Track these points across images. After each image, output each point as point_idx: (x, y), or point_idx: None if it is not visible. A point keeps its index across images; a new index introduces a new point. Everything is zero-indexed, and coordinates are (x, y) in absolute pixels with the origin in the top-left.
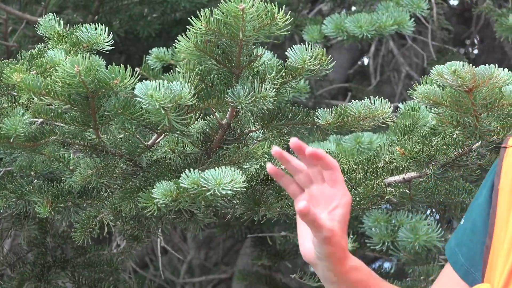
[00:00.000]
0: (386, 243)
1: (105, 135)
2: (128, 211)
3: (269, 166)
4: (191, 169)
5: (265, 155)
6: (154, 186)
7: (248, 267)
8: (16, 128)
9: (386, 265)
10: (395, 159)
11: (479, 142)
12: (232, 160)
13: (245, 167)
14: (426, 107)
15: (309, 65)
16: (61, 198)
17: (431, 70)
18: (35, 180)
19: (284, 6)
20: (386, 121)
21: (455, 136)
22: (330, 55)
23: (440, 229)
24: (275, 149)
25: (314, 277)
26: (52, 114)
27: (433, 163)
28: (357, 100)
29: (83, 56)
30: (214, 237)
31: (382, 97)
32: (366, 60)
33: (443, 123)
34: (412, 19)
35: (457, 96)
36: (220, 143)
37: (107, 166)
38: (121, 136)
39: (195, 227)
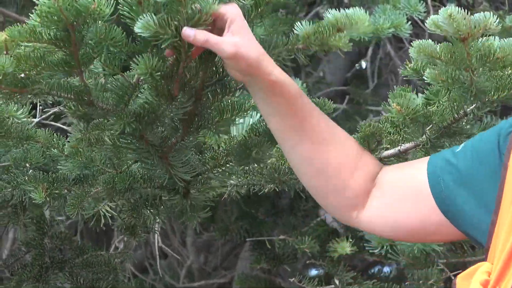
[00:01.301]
0: (385, 247)
1: (90, 80)
2: (122, 183)
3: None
4: None
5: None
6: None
7: (248, 271)
8: (3, 66)
9: (386, 269)
10: (390, 131)
11: (474, 105)
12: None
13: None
14: (416, 92)
15: None
16: (56, 185)
17: (426, 21)
18: (30, 171)
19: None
20: (364, 32)
21: (451, 97)
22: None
23: None
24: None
25: (313, 280)
26: (35, 59)
27: (429, 127)
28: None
29: None
30: (213, 241)
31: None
32: (363, 63)
33: (438, 80)
34: (409, 22)
35: (452, 48)
36: (202, 88)
37: (97, 127)
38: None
39: (192, 217)
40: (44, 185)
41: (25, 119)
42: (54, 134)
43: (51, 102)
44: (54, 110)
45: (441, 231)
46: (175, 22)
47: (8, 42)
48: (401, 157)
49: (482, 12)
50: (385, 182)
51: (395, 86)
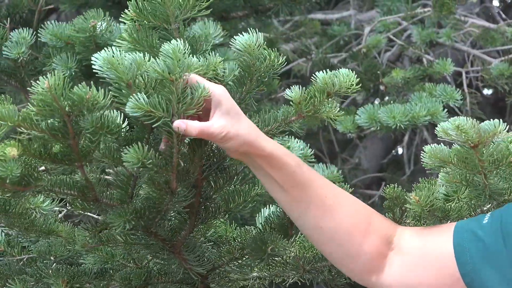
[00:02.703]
0: None
1: (92, 175)
2: (137, 279)
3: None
4: None
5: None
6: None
7: None
8: (11, 170)
9: None
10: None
11: (490, 204)
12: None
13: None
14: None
15: (257, 52)
16: (77, 279)
17: (436, 128)
18: (54, 264)
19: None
20: (351, 92)
21: (466, 199)
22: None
23: None
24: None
25: None
26: (37, 150)
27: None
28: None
29: (53, 74)
30: None
31: None
32: (400, 150)
33: (452, 183)
34: (446, 110)
35: (464, 153)
36: (201, 175)
37: (103, 225)
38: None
39: None
40: (65, 279)
41: (50, 211)
42: (76, 228)
43: None
44: None
45: None
46: (167, 102)
47: (19, 151)
48: None
49: (491, 120)
50: (406, 248)
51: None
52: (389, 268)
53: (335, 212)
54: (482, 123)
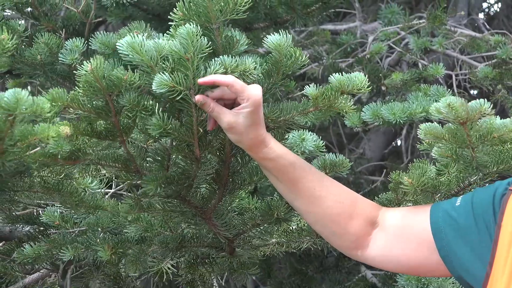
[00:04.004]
0: None
1: (133, 149)
2: (173, 242)
3: (197, 97)
4: None
5: None
6: None
7: None
8: (62, 147)
9: None
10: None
11: (477, 176)
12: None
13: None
14: (435, 164)
15: (285, 50)
16: (120, 245)
17: (430, 107)
18: (101, 234)
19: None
20: (362, 92)
21: (456, 173)
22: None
23: None
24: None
25: None
26: (85, 128)
27: (438, 195)
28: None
29: (95, 58)
30: None
31: None
32: (399, 142)
33: (444, 156)
34: None
35: (454, 129)
36: (230, 151)
37: (144, 194)
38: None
39: (241, 274)
40: (110, 245)
41: (98, 190)
42: (120, 203)
43: None
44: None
45: (440, 269)
46: (184, 77)
47: (71, 129)
48: None
49: (477, 100)
50: (389, 226)
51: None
52: (373, 243)
53: (322, 201)
54: (469, 102)
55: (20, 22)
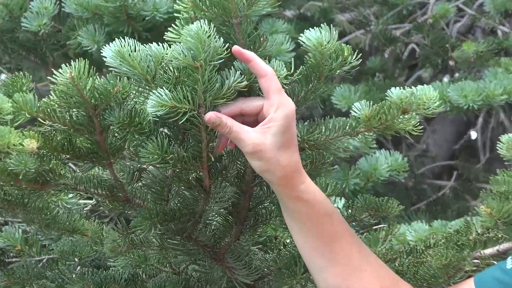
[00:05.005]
0: None
1: (122, 174)
2: None
3: (209, 116)
4: None
5: None
6: None
7: None
8: (26, 164)
9: None
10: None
11: None
12: None
13: None
14: None
15: (326, 49)
16: (104, 286)
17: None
18: (79, 267)
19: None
20: (431, 113)
21: None
22: None
23: None
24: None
25: None
26: (60, 143)
27: None
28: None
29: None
30: None
31: None
32: (473, 134)
33: None
34: None
35: None
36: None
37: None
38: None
39: None
40: (91, 285)
41: (74, 205)
42: (104, 226)
43: None
44: None
45: None
46: (192, 92)
47: (39, 143)
48: (500, 257)
49: None
50: None
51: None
52: None
53: (362, 275)
54: None
55: None
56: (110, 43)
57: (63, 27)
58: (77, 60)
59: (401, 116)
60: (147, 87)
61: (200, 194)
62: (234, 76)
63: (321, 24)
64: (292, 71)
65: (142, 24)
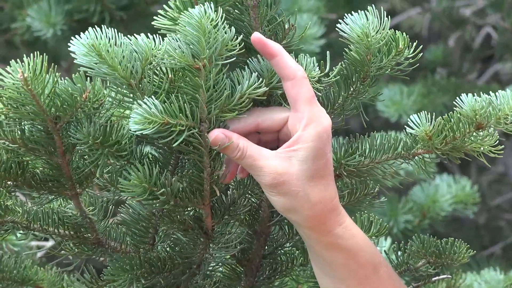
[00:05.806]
0: None
1: (91, 208)
2: None
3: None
4: None
5: None
6: None
7: None
8: None
9: None
10: None
11: None
12: None
13: None
14: None
15: (374, 41)
16: None
17: None
18: None
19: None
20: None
21: None
22: None
23: None
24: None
25: None
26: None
27: None
28: None
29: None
30: None
31: None
32: None
33: None
34: None
35: None
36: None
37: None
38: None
39: None
40: None
41: (25, 247)
42: (66, 277)
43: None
44: None
45: None
46: (191, 103)
47: None
48: None
49: None
50: None
51: None
52: None
53: None
54: None
55: None
56: (75, 29)
57: (5, 4)
58: (31, 54)
59: (474, 133)
60: (130, 95)
61: (199, 238)
62: (249, 80)
63: (367, 6)
64: (327, 70)
65: (115, 0)
